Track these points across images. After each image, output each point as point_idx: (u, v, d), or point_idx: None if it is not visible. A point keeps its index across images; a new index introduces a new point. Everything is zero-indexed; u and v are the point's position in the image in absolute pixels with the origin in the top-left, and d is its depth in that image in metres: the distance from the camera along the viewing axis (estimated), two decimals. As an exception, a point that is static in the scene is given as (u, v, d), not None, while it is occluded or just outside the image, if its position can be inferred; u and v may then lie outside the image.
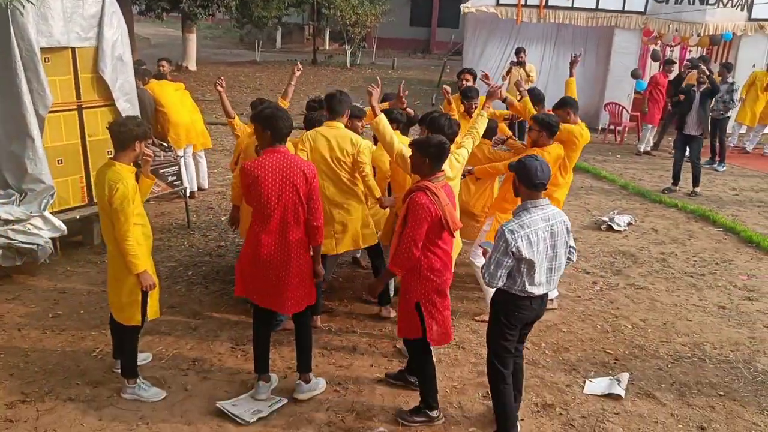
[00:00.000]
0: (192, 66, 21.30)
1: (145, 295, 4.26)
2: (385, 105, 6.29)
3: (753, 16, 13.72)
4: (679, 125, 9.66)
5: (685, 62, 13.47)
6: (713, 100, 10.00)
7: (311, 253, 4.39)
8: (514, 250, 3.61)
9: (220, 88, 6.11)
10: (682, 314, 5.91)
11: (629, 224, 8.25)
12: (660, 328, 5.64)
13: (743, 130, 13.19)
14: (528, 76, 11.58)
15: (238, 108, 15.92)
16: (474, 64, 14.66)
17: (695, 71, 10.17)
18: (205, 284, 6.21)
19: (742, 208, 9.18)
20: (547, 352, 5.19)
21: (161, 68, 8.70)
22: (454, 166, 4.88)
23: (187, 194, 7.93)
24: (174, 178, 7.46)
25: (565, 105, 6.04)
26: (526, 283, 3.72)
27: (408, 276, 4.08)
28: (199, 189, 8.99)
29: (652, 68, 14.49)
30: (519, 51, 11.88)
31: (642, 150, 12.51)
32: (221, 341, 5.15)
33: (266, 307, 4.34)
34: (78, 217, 6.54)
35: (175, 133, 8.31)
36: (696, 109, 9.30)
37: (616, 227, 8.06)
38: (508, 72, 11.95)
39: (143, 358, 4.75)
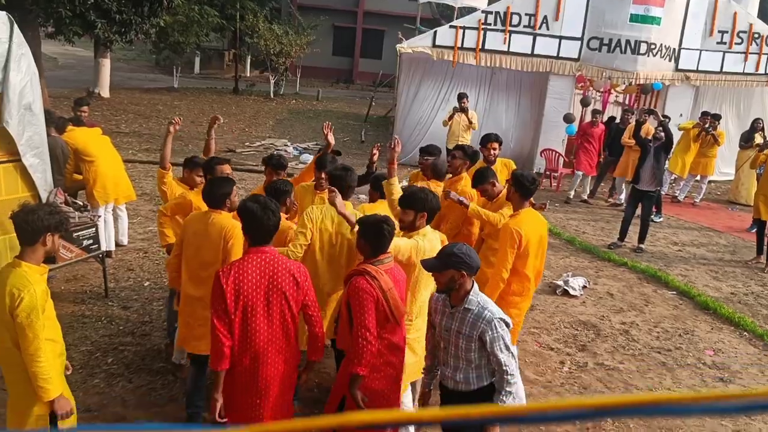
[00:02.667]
0: (105, 93, 19.92)
1: (56, 430, 3.38)
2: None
3: (680, 67, 14.05)
4: (633, 180, 9.50)
5: (623, 111, 13.53)
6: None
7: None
8: None
9: (172, 129, 5.48)
10: (660, 402, 5.52)
11: (584, 287, 7.92)
12: (641, 421, 5.21)
13: (673, 178, 13.37)
14: (470, 123, 11.26)
15: (156, 141, 14.89)
16: (408, 105, 14.41)
17: (647, 124, 10.11)
18: (128, 376, 5.29)
19: (689, 267, 9.08)
20: (528, 458, 4.65)
21: (81, 114, 7.70)
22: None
23: (105, 258, 6.95)
24: (90, 241, 6.49)
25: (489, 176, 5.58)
26: None
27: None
28: (117, 245, 7.99)
29: (581, 114, 14.58)
30: (462, 96, 11.56)
31: (571, 197, 12.40)
32: (152, 459, 4.29)
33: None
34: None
35: (102, 186, 7.37)
36: (651, 163, 9.14)
37: (572, 292, 7.70)
38: (450, 117, 11.59)
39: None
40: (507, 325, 3.52)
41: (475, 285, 3.59)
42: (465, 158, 6.13)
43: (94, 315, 6.32)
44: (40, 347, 3.25)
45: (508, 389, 3.50)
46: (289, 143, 15.81)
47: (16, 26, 5.53)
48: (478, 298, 3.55)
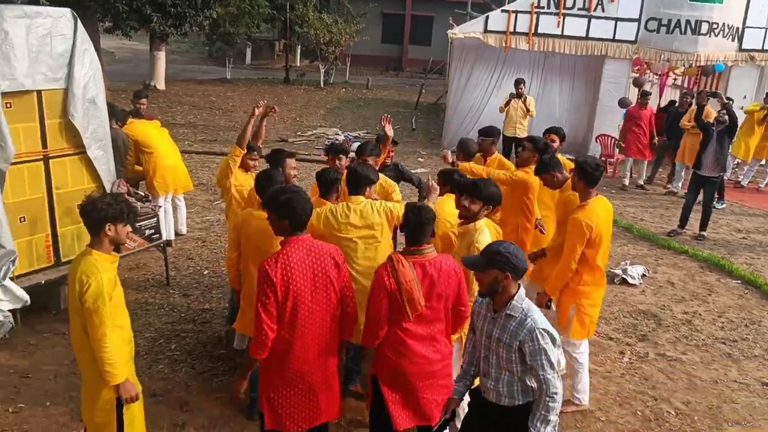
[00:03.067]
0: (161, 85, 20.37)
1: (121, 414, 3.49)
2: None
3: (743, 47, 13.49)
4: (695, 165, 9.20)
5: (683, 94, 13.12)
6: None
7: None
8: None
9: (257, 111, 5.61)
10: (725, 394, 5.36)
11: (643, 276, 7.73)
12: (706, 413, 5.08)
13: (736, 163, 12.91)
14: (527, 110, 11.10)
15: (210, 132, 15.16)
16: (460, 91, 14.27)
17: (709, 108, 9.76)
18: (190, 362, 5.43)
19: (755, 255, 8.76)
20: (589, 449, 4.59)
21: (140, 106, 7.88)
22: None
23: (165, 247, 7.11)
24: (152, 231, 6.65)
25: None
26: None
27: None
28: (177, 235, 8.18)
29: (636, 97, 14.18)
30: (519, 82, 11.42)
31: (626, 183, 12.10)
32: (216, 444, 4.41)
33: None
34: (43, 282, 5.72)
35: (161, 177, 7.54)
36: (713, 148, 8.83)
37: (630, 281, 7.53)
38: (507, 104, 11.45)
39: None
40: (553, 339, 3.14)
41: (521, 290, 3.26)
42: (534, 151, 5.77)
43: (156, 302, 6.50)
44: (106, 333, 3.34)
45: (545, 413, 3.09)
46: (340, 132, 15.86)
47: (80, 22, 5.69)
48: (522, 304, 3.19)
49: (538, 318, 3.17)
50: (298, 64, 29.96)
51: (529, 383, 3.23)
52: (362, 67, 29.96)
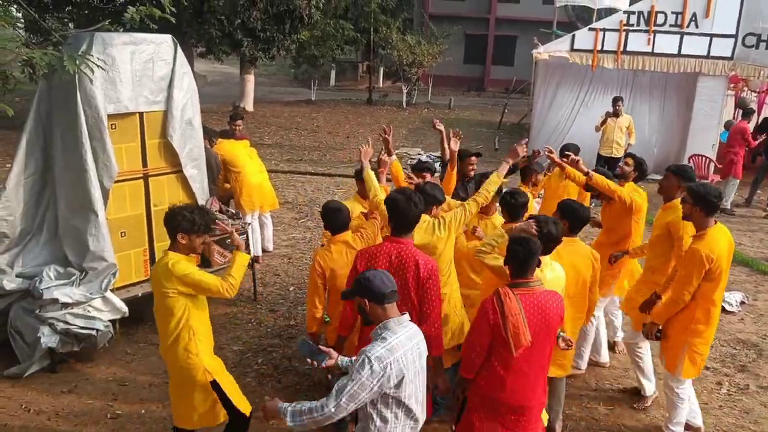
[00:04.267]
0: (249, 107, 21.11)
1: (221, 390, 3.93)
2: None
3: None
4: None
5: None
6: None
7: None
8: None
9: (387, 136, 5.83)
10: (835, 432, 5.00)
11: (742, 303, 7.33)
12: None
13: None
14: (630, 131, 10.97)
15: (296, 152, 15.55)
16: (545, 111, 14.09)
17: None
18: (277, 377, 5.55)
19: None
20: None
21: (236, 128, 8.15)
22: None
23: (254, 263, 7.32)
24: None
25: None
26: None
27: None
28: (264, 251, 8.41)
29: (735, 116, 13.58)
30: (617, 100, 11.28)
31: (729, 207, 11.50)
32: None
33: None
34: (140, 294, 6.00)
35: (248, 195, 7.79)
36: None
37: (728, 308, 7.15)
38: (603, 123, 11.24)
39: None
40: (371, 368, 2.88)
41: (391, 321, 3.04)
42: (635, 169, 5.70)
43: (244, 317, 6.69)
44: (211, 282, 3.79)
45: (307, 407, 2.96)
46: (422, 152, 15.93)
47: (179, 48, 5.99)
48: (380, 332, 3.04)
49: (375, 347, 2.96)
50: (381, 85, 30.39)
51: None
52: (444, 87, 30.05)
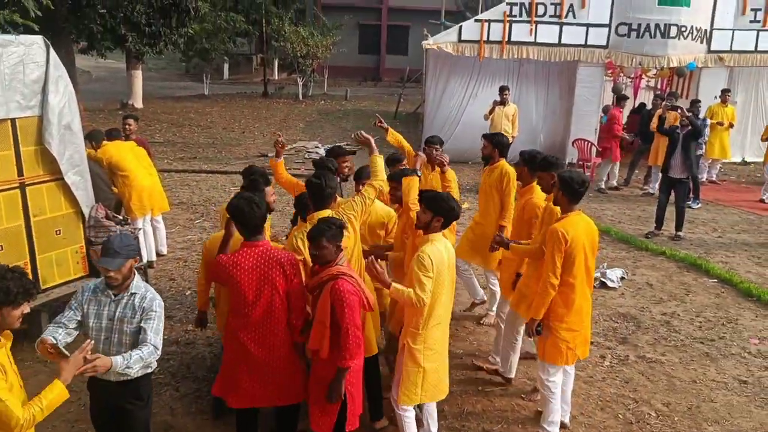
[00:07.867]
0: (138, 103, 20.32)
1: None
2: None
3: (712, 48, 13.78)
4: (663, 168, 9.39)
5: (654, 96, 13.41)
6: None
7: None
8: None
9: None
10: (704, 394, 5.46)
11: (622, 278, 7.85)
12: (686, 414, 5.17)
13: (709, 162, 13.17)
14: (513, 121, 11.38)
15: (190, 150, 15.14)
16: (437, 101, 14.42)
17: (674, 111, 9.93)
18: (174, 385, 5.43)
19: (730, 253, 8.92)
20: (572, 454, 4.65)
21: (128, 126, 7.83)
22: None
23: (147, 269, 7.11)
24: (132, 254, 6.64)
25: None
26: None
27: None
28: (158, 255, 8.17)
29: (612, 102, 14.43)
30: (503, 89, 11.68)
31: (604, 187, 12.26)
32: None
33: (245, 407, 4.16)
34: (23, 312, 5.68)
35: (138, 199, 7.52)
36: (679, 151, 9.03)
37: (609, 284, 7.64)
38: (491, 111, 11.61)
39: None
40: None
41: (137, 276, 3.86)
42: (524, 164, 5.64)
43: (139, 325, 6.47)
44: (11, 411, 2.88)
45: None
46: (320, 145, 15.91)
47: (52, 49, 5.70)
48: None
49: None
50: (277, 78, 30.03)
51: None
52: (340, 78, 30.07)
